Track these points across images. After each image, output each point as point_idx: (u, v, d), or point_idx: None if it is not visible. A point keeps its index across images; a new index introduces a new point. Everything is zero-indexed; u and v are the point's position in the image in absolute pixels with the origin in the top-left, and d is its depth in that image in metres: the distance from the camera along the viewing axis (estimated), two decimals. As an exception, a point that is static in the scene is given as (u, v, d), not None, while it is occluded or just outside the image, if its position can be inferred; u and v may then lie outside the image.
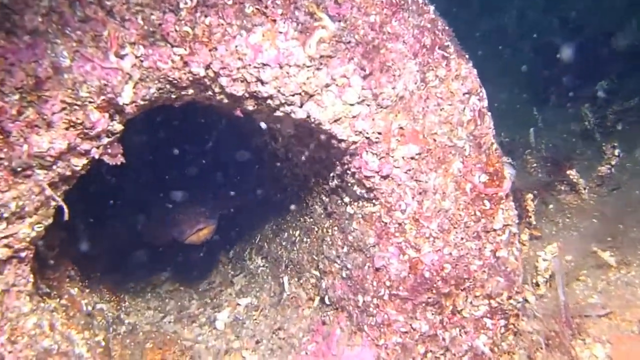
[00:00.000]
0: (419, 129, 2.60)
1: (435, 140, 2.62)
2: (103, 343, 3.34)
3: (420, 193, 2.66)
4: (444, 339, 2.74)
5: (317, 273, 3.56)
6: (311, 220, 3.84)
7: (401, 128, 2.60)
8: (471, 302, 2.76)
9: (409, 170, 2.63)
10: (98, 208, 5.36)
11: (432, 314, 2.75)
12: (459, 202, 2.67)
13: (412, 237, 2.70)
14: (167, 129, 5.51)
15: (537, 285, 3.29)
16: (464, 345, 2.77)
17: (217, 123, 5.67)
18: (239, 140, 5.43)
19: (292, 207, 4.31)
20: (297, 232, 4.15)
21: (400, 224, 2.72)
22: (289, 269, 4.17)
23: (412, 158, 2.62)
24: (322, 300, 3.39)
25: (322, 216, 3.59)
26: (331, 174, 3.11)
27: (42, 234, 2.42)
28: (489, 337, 2.77)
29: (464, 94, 2.61)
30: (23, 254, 2.32)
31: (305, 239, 3.95)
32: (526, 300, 3.07)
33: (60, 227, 3.86)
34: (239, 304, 4.55)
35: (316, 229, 3.73)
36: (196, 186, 4.86)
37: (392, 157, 2.62)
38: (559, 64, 8.41)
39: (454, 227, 2.69)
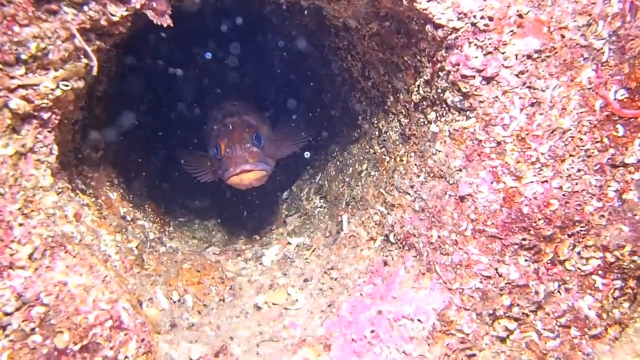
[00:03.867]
0: (544, 18, 2.00)
1: (564, 36, 2.01)
2: (136, 251, 3.01)
3: (532, 104, 2.07)
4: (537, 293, 2.18)
5: (382, 209, 3.06)
6: (382, 149, 3.33)
7: (520, 16, 2.01)
8: (579, 253, 2.17)
9: (522, 72, 2.05)
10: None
11: (526, 260, 2.18)
12: (582, 123, 2.07)
13: (513, 161, 2.13)
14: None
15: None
16: (563, 304, 2.19)
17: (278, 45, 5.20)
18: (306, 69, 4.95)
19: (362, 137, 3.82)
20: (364, 165, 3.65)
21: (499, 143, 2.15)
22: (349, 206, 3.70)
23: (529, 57, 2.03)
24: (385, 239, 2.89)
25: (397, 142, 3.06)
26: (417, 83, 2.56)
27: (70, 99, 2.05)
28: (596, 300, 2.18)
29: (612, -24, 1.98)
30: (45, 115, 1.95)
31: (372, 172, 3.45)
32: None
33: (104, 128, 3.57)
34: (289, 243, 4.14)
35: (387, 159, 3.21)
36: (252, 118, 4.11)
37: (503, 52, 2.04)
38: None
39: (571, 155, 2.09)
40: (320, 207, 4.64)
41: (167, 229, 4.42)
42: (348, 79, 3.81)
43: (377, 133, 3.47)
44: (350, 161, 4.06)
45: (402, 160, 2.93)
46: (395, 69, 2.76)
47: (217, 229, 5.19)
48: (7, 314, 1.73)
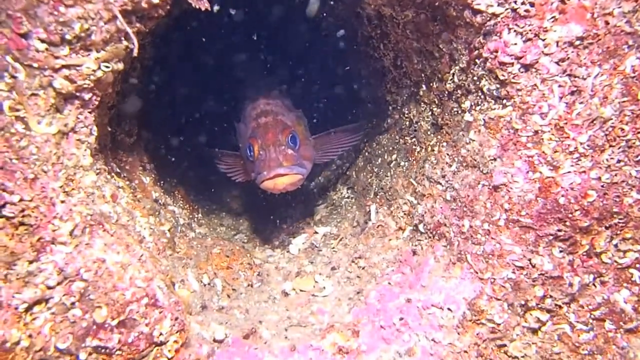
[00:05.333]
0: (587, 4, 1.96)
1: (608, 22, 1.96)
2: (168, 234, 3.07)
3: (572, 92, 2.04)
4: (571, 285, 2.15)
5: (412, 199, 3.04)
6: (413, 140, 3.31)
7: (562, 1, 1.97)
8: (616, 245, 2.13)
9: (563, 59, 2.01)
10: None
11: (561, 251, 2.15)
12: (624, 112, 2.02)
13: (550, 151, 2.10)
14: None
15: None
16: (598, 297, 2.16)
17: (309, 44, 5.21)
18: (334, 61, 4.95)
19: (391, 127, 3.80)
20: (394, 156, 3.64)
21: (536, 132, 2.12)
22: (378, 196, 3.69)
23: (571, 44, 1.99)
24: (415, 229, 2.88)
25: (429, 132, 3.04)
26: (452, 71, 2.54)
27: (110, 80, 2.09)
28: (633, 293, 2.14)
29: (660, -40, 1.92)
30: (87, 96, 2.00)
31: (402, 163, 3.43)
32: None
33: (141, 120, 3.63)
34: (316, 232, 4.16)
35: (418, 149, 3.19)
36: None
37: (543, 39, 2.00)
38: None
39: (611, 145, 2.05)
40: (348, 197, 4.65)
41: (196, 216, 4.48)
42: (379, 68, 3.79)
43: (407, 123, 3.45)
44: (379, 152, 4.05)
45: (433, 150, 2.90)
46: (429, 57, 2.74)
47: (245, 217, 5.24)
48: (49, 288, 1.79)
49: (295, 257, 3.85)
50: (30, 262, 1.78)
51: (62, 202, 1.91)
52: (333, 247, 3.74)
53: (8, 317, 1.67)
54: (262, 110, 3.68)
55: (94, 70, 1.93)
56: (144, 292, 1.99)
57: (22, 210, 1.74)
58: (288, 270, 3.55)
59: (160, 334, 2.01)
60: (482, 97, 2.32)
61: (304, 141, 3.55)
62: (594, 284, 2.17)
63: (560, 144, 2.08)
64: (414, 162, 3.23)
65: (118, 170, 3.00)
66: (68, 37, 1.79)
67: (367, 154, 4.41)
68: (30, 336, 1.75)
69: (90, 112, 2.07)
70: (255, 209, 5.18)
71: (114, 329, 1.89)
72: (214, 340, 2.39)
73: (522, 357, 2.24)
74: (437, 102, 2.86)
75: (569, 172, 2.08)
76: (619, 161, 2.06)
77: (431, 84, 2.87)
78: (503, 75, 2.12)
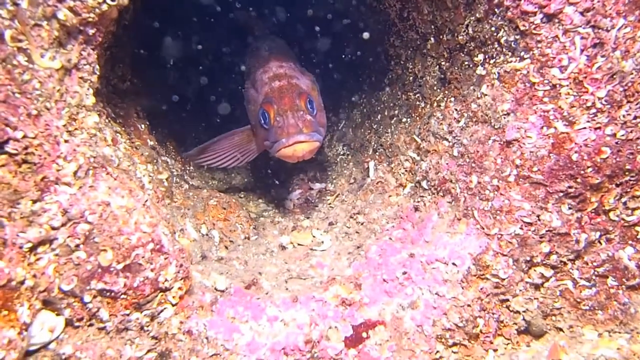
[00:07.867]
0: (616, -48, 1.89)
1: (636, -28, 1.90)
2: (166, 183, 3.00)
3: (594, 45, 1.99)
4: (577, 242, 2.15)
5: (414, 155, 3.00)
6: (417, 95, 3.25)
7: (591, -51, 1.90)
8: (625, 203, 2.13)
9: (588, 9, 1.95)
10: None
11: (570, 208, 2.15)
12: (644, 67, 1.99)
13: (567, 106, 2.06)
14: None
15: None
16: (603, 254, 2.17)
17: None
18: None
19: (393, 83, 3.73)
20: (396, 112, 3.58)
21: (554, 86, 2.07)
22: (377, 153, 3.65)
23: (597, -6, 1.93)
24: (416, 185, 2.85)
25: (435, 87, 2.98)
26: (465, 22, 2.46)
27: (113, 16, 1.98)
28: (638, 251, 2.15)
29: None
30: (91, 31, 1.89)
31: (405, 119, 3.38)
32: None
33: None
34: (311, 188, 4.13)
35: (422, 105, 3.14)
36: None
37: (569, -12, 1.94)
38: None
39: (629, 101, 2.02)
40: (343, 154, 4.60)
41: (188, 168, 4.40)
42: (382, 21, 3.69)
43: (411, 78, 3.39)
44: (379, 108, 3.99)
45: (439, 106, 2.85)
46: (441, 8, 2.65)
47: (237, 172, 5.18)
48: (54, 228, 1.72)
49: (291, 212, 3.82)
50: (34, 202, 1.71)
51: (66, 141, 1.83)
52: (330, 203, 3.72)
53: (13, 255, 1.61)
54: (275, 74, 3.39)
55: (99, 3, 1.81)
56: (150, 237, 1.94)
57: (26, 148, 1.65)
58: (284, 225, 3.53)
59: (165, 279, 1.97)
60: (499, 49, 2.26)
61: (318, 107, 3.33)
62: (599, 241, 2.17)
63: (578, 98, 2.04)
64: (418, 118, 3.18)
65: (113, 115, 2.90)
66: (72, -38, 1.67)
67: (365, 110, 4.34)
68: (34, 276, 1.69)
69: (93, 49, 1.96)
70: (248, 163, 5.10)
71: (119, 272, 1.84)
72: (216, 290, 2.36)
73: (524, 311, 2.26)
74: (446, 55, 2.80)
75: (585, 127, 2.05)
76: (635, 117, 2.03)
77: (441, 37, 2.79)
78: (524, 26, 2.05)
